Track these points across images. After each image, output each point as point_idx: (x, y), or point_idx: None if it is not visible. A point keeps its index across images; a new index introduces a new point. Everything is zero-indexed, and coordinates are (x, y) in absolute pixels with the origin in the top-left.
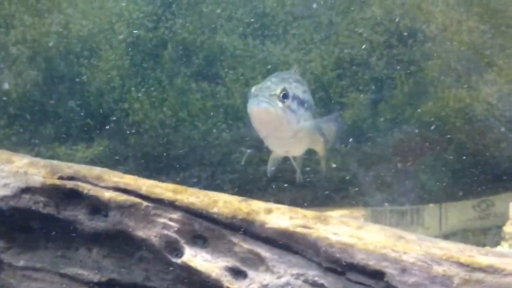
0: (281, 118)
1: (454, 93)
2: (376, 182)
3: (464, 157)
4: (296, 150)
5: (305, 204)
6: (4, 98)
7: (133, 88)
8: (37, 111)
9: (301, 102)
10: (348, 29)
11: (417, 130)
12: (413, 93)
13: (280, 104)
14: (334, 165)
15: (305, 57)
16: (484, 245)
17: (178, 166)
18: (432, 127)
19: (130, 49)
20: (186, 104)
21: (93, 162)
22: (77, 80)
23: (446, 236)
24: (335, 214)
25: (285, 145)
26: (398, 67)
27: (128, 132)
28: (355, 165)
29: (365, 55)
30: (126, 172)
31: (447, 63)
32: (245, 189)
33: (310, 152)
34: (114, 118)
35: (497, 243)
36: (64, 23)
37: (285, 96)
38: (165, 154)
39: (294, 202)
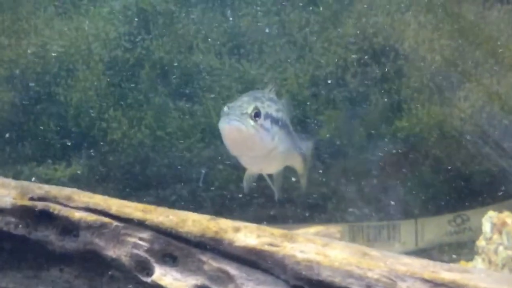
0: (252, 136)
1: (428, 109)
2: (352, 198)
3: (439, 173)
4: (271, 168)
5: (289, 219)
6: None
7: (111, 108)
8: (14, 132)
9: (275, 121)
10: (322, 47)
11: (392, 146)
12: (387, 110)
13: (251, 123)
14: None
15: (281, 75)
16: (459, 260)
17: (157, 184)
18: (407, 143)
19: (107, 69)
20: (163, 123)
21: (72, 181)
22: (54, 100)
23: (423, 251)
24: (312, 230)
25: (258, 163)
26: (372, 85)
27: (106, 151)
28: (331, 181)
29: (339, 73)
30: (105, 190)
31: (420, 80)
32: (224, 207)
33: (287, 169)
34: (92, 138)
35: (472, 257)
36: (41, 44)
37: (256, 114)
38: (143, 172)
39: (273, 219)
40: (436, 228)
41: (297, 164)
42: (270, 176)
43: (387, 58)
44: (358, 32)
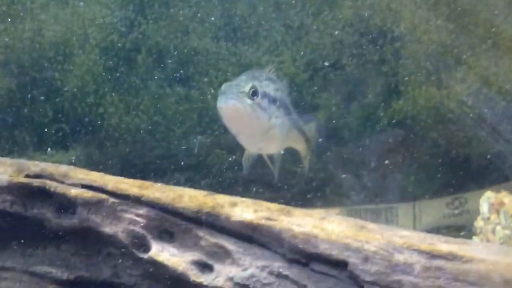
0: (250, 115)
1: (425, 91)
2: (351, 181)
3: (436, 155)
4: (270, 148)
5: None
6: None
7: (107, 93)
8: (11, 117)
9: (272, 100)
10: (319, 30)
11: (389, 129)
12: (384, 92)
13: (248, 101)
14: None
15: (277, 58)
16: None
17: (154, 169)
18: (404, 126)
19: (103, 54)
20: (160, 108)
21: None
22: (51, 85)
23: None
24: None
25: (256, 143)
26: (369, 67)
27: (103, 136)
28: (329, 165)
29: (336, 55)
30: None
31: (417, 62)
32: (222, 191)
33: (286, 153)
34: (89, 123)
35: (470, 239)
36: (37, 29)
37: (254, 93)
38: (141, 157)
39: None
40: (434, 210)
41: (299, 145)
42: (270, 157)
43: (384, 40)
44: (354, 14)
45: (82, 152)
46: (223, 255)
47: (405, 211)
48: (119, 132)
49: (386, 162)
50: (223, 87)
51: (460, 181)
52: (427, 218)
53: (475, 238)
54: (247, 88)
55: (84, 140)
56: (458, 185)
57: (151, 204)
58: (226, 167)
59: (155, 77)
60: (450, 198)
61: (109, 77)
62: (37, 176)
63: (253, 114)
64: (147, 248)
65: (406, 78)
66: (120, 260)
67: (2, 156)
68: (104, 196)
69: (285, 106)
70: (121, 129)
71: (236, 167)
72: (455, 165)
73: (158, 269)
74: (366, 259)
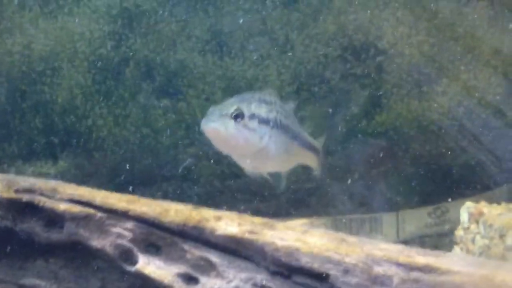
0: (234, 136)
1: (407, 104)
2: (335, 192)
3: (418, 166)
4: (268, 167)
5: (271, 214)
6: None
7: (96, 106)
8: (0, 129)
9: (264, 121)
10: (303, 44)
11: (372, 141)
12: (367, 105)
13: (232, 123)
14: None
15: (263, 72)
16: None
17: (143, 181)
18: (387, 137)
19: (92, 67)
20: (149, 120)
21: (58, 179)
22: (40, 98)
23: (404, 242)
24: (296, 223)
25: (253, 162)
26: (353, 80)
27: (92, 148)
28: (313, 175)
29: (320, 69)
30: (91, 187)
31: (399, 76)
32: (210, 202)
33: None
34: (78, 135)
35: (451, 247)
36: (26, 43)
37: (238, 115)
38: (129, 169)
39: (259, 213)
40: (416, 220)
41: (311, 162)
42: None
43: (366, 54)
44: (337, 28)
45: (71, 164)
46: (208, 267)
47: (388, 220)
48: (107, 143)
49: (370, 172)
50: (209, 110)
51: (441, 191)
52: (410, 227)
53: (455, 247)
54: (230, 110)
55: (73, 152)
56: (440, 195)
57: (138, 218)
58: (214, 178)
59: (143, 90)
60: (432, 207)
61: (97, 90)
62: (27, 191)
63: (238, 135)
64: (134, 261)
65: (389, 91)
66: (108, 273)
67: None
68: (92, 210)
69: (285, 126)
70: (110, 140)
71: (225, 178)
72: (437, 176)
73: (144, 282)
74: (346, 271)
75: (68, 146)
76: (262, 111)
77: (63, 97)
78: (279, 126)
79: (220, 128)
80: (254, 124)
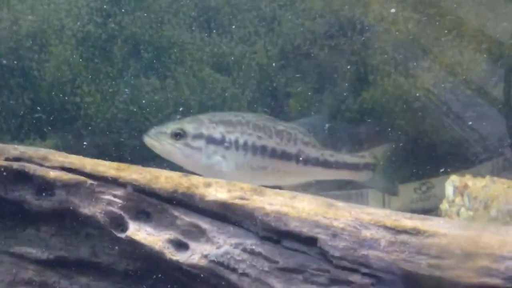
0: (170, 153)
1: (393, 80)
2: None
3: (404, 142)
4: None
5: None
6: None
7: (84, 83)
8: None
9: (214, 141)
10: (290, 21)
11: (359, 117)
12: (354, 81)
13: (168, 141)
14: None
15: (250, 48)
16: None
17: (130, 158)
18: (373, 114)
19: (80, 44)
20: (136, 98)
21: None
22: (28, 75)
23: None
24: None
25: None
26: (339, 57)
27: (80, 125)
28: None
29: (307, 45)
30: None
31: (385, 52)
32: None
33: None
34: (66, 112)
35: None
36: (14, 19)
37: (177, 134)
38: (117, 146)
39: None
40: (402, 195)
41: (353, 177)
42: None
43: (353, 30)
44: (324, 5)
45: (59, 141)
46: (198, 233)
47: (375, 196)
48: (95, 121)
49: (357, 149)
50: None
51: (427, 167)
52: (396, 203)
53: None
54: (169, 129)
55: (61, 129)
56: (426, 171)
57: (128, 185)
58: None
59: (131, 67)
60: (417, 183)
61: (85, 67)
62: (17, 159)
63: (177, 153)
64: (124, 228)
65: (375, 67)
66: (98, 240)
67: None
68: (82, 178)
69: (254, 147)
70: (98, 118)
71: None
72: (423, 152)
73: (135, 248)
74: (334, 235)
75: (56, 123)
76: (216, 131)
77: (50, 74)
78: (234, 146)
79: (155, 144)
80: (199, 143)
